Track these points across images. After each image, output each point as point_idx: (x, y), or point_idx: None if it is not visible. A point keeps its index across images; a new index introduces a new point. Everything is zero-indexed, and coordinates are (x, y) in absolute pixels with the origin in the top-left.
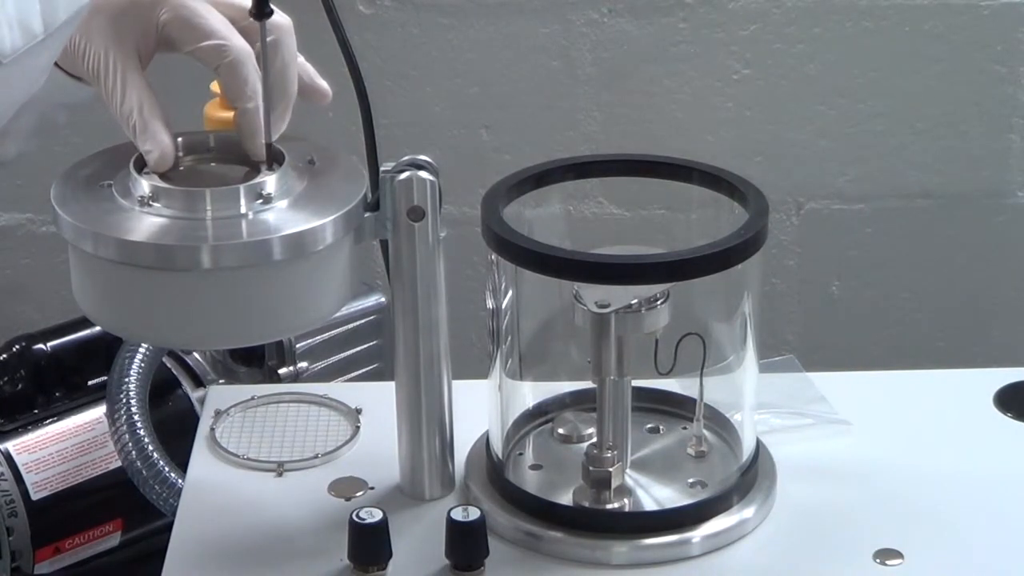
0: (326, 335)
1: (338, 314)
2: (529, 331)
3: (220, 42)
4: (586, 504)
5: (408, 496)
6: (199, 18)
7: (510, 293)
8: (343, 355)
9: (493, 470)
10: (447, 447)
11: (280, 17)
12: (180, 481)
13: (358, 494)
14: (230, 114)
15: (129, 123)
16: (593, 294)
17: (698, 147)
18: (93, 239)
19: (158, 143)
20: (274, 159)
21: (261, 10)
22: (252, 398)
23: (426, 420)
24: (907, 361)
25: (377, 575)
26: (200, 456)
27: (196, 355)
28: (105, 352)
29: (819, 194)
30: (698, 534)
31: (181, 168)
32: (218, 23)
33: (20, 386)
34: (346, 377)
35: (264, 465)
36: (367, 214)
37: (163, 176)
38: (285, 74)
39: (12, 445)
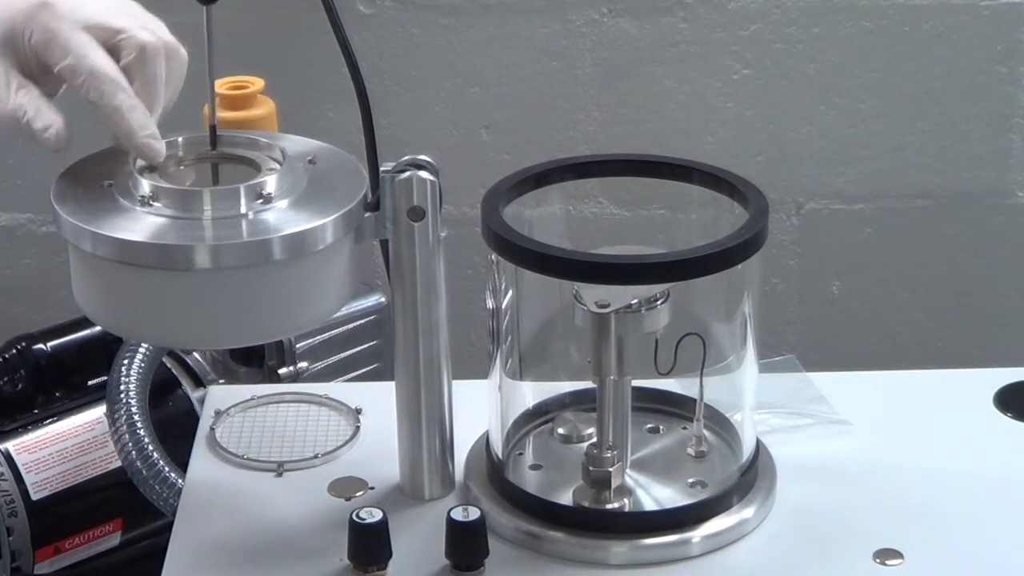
0: (326, 335)
1: (338, 314)
2: (529, 331)
3: (72, 63)
4: (586, 504)
5: (408, 496)
6: (60, 38)
7: (510, 293)
8: (343, 355)
9: (493, 470)
10: (447, 447)
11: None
12: (180, 481)
13: (358, 494)
14: (230, 114)
15: (18, 118)
16: (593, 294)
17: (698, 147)
18: (93, 239)
19: (52, 120)
20: (274, 159)
21: None
22: (252, 398)
23: (426, 420)
24: (907, 361)
25: (377, 575)
26: (200, 456)
27: (196, 355)
28: (105, 352)
29: (819, 194)
30: (698, 534)
31: (182, 168)
32: (76, 43)
33: (20, 386)
34: (346, 377)
35: (264, 465)
36: (367, 214)
37: (164, 176)
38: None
39: (12, 445)
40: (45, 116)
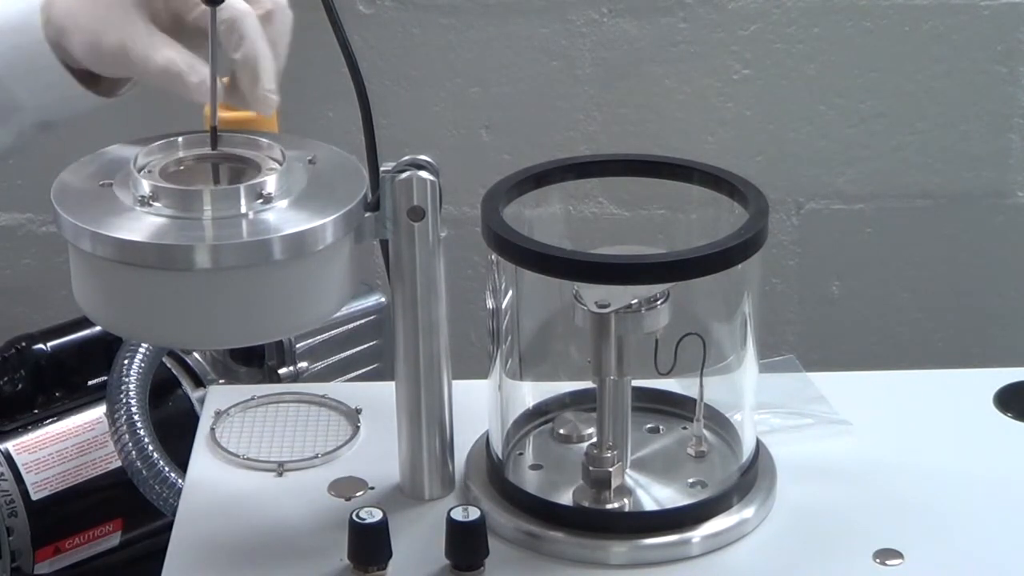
0: (326, 335)
1: (338, 314)
2: (529, 331)
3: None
4: (586, 504)
5: (408, 496)
6: None
7: (510, 293)
8: (343, 355)
9: (493, 470)
10: (447, 447)
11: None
12: (180, 481)
13: (358, 494)
14: (231, 114)
15: (173, 72)
16: (593, 294)
17: (698, 147)
18: (93, 239)
19: (207, 73)
20: (274, 158)
21: None
22: (252, 398)
23: (426, 420)
24: (907, 361)
25: (377, 575)
26: (200, 456)
27: (196, 355)
28: (105, 352)
29: (819, 194)
30: (698, 534)
31: (182, 168)
32: None
33: (20, 386)
34: (346, 377)
35: (264, 465)
36: (367, 214)
37: (163, 176)
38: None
39: (12, 445)
40: (199, 70)
